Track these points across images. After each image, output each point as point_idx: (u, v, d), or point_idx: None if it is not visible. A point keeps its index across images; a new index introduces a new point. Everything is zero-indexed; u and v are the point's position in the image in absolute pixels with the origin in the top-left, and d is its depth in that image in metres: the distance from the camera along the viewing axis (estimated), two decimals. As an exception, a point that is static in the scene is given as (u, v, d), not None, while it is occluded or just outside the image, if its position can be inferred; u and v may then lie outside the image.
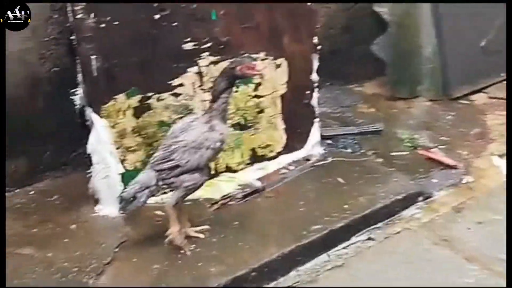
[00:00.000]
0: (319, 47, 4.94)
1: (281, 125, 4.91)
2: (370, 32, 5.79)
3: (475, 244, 4.21)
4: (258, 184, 4.63)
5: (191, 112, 4.52)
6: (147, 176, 3.99)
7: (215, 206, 4.43)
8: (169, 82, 4.46)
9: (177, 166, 3.97)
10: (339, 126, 5.37)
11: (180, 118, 4.41)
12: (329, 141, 5.14)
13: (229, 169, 4.73)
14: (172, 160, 3.97)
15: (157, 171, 3.98)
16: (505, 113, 5.59)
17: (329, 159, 4.95)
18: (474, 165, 4.99)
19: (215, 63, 4.57)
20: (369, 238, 4.31)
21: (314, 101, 5.02)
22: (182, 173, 3.98)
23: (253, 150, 4.84)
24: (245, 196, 4.53)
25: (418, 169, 4.88)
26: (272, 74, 4.80)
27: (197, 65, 4.52)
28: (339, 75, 5.80)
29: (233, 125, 4.71)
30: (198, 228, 4.19)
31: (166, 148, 4.01)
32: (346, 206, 4.41)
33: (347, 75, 5.83)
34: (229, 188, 4.56)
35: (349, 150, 5.07)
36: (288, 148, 4.95)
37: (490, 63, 5.94)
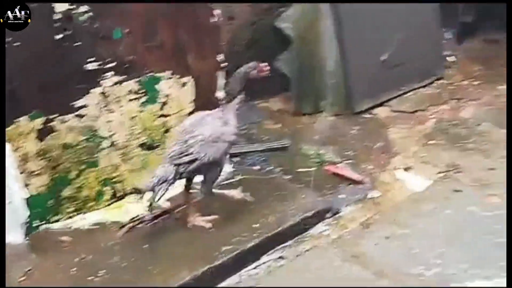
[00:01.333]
0: (224, 64, 4.93)
1: (189, 144, 4.86)
2: (274, 47, 5.80)
3: (383, 259, 4.25)
4: (167, 205, 4.57)
5: (96, 134, 4.44)
6: (165, 170, 4.14)
7: (124, 229, 4.35)
8: (73, 104, 4.36)
9: (195, 160, 4.16)
10: (246, 143, 5.35)
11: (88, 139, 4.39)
12: (237, 159, 5.12)
13: (137, 191, 4.64)
14: (190, 154, 4.17)
15: (176, 165, 4.14)
16: (407, 126, 5.69)
17: (238, 177, 4.93)
18: (379, 180, 5.05)
19: (119, 83, 4.49)
20: (280, 257, 4.31)
21: (220, 119, 4.98)
22: (201, 166, 4.18)
23: (160, 170, 4.77)
24: (154, 218, 4.47)
25: (326, 185, 4.91)
26: (178, 93, 4.76)
27: (101, 85, 4.44)
28: (245, 92, 5.76)
29: (140, 145, 4.65)
30: (207, 218, 4.38)
31: (182, 143, 4.19)
32: (256, 225, 4.39)
33: (253, 91, 5.79)
34: (137, 210, 4.48)
35: (257, 168, 5.06)
36: (196, 167, 4.90)
37: (391, 76, 6.03)
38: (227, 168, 5.00)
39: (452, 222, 4.59)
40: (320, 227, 4.59)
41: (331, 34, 5.85)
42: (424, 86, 6.15)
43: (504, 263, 4.12)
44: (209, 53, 4.87)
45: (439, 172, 5.11)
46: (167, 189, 4.13)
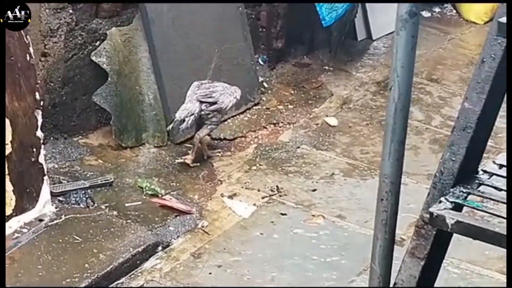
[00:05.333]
0: (41, 102, 4.82)
1: (9, 187, 4.71)
2: (91, 82, 5.73)
3: (219, 288, 4.32)
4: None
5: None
6: (193, 105, 5.28)
7: None
8: None
9: (215, 103, 5.32)
10: (68, 181, 5.22)
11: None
12: (60, 198, 5.00)
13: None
14: (213, 97, 5.32)
15: (201, 102, 5.28)
16: (228, 153, 5.77)
17: (63, 217, 4.80)
18: (207, 209, 5.09)
19: None
20: (115, 296, 4.27)
21: (41, 158, 4.87)
22: (215, 110, 5.33)
23: (-19, 216, 4.59)
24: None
25: (154, 218, 4.90)
26: (-5, 135, 4.60)
27: None
28: (63, 128, 5.67)
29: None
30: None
31: (207, 88, 5.38)
32: (86, 266, 4.33)
33: (71, 127, 5.71)
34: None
35: (82, 206, 4.97)
36: (19, 210, 4.75)
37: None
38: (51, 209, 4.88)
39: (280, 246, 4.73)
40: (152, 261, 4.59)
41: (147, 67, 5.86)
42: (242, 113, 6.26)
43: (333, 283, 4.31)
44: (25, 92, 4.74)
45: (264, 197, 5.23)
46: (193, 121, 5.28)
